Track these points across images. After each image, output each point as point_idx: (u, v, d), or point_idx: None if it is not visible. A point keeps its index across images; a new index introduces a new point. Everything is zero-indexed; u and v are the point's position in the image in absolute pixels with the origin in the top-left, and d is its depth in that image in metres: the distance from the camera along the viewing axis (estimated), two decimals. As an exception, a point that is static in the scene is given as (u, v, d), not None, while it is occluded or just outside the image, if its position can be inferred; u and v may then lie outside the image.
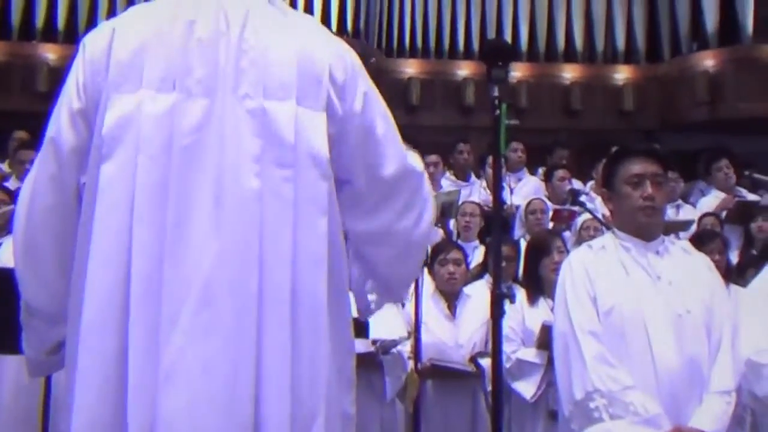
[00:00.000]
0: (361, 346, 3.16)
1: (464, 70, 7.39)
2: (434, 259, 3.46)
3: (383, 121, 1.45)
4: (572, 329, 2.18)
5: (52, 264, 1.37)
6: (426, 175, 1.58)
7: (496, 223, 2.32)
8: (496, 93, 2.36)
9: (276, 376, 1.24)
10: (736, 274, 3.94)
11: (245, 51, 1.33)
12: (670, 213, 5.82)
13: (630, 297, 2.19)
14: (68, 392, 1.27)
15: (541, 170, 5.93)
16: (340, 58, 1.41)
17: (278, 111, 1.32)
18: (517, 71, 7.45)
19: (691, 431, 2.07)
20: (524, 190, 5.81)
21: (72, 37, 7.17)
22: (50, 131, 1.37)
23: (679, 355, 2.12)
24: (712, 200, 5.83)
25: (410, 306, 3.06)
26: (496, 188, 2.39)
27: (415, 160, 1.55)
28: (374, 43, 7.37)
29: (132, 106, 1.30)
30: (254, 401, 1.22)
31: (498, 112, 2.34)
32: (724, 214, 5.45)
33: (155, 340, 1.22)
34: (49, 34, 7.48)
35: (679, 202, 5.88)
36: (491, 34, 7.35)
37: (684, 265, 2.27)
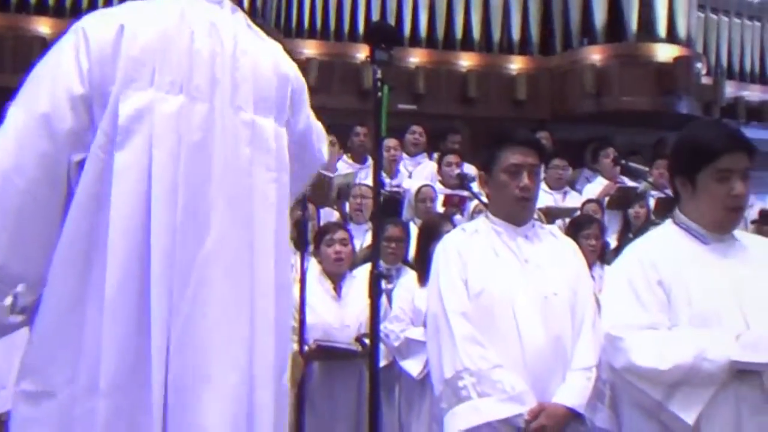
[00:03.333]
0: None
1: (363, 53, 7.33)
2: (321, 239, 3.42)
3: (315, 130, 1.69)
4: (443, 310, 2.20)
5: (33, 233, 1.42)
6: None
7: (376, 204, 2.30)
8: (378, 75, 2.34)
9: (264, 336, 1.47)
10: (613, 257, 4.13)
11: (238, 68, 1.50)
12: (557, 198, 6.05)
13: (499, 280, 2.23)
14: (77, 349, 1.38)
15: (435, 155, 6.00)
16: (297, 79, 1.62)
17: (264, 124, 1.52)
18: (416, 57, 7.47)
19: (554, 407, 2.13)
20: (423, 173, 5.87)
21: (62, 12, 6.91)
22: (41, 107, 1.41)
23: (545, 335, 2.18)
24: (596, 187, 6.09)
25: (295, 288, 3.01)
26: (376, 170, 2.37)
27: (325, 148, 1.79)
28: (272, 21, 7.19)
29: (145, 102, 1.41)
30: (249, 351, 1.45)
31: (380, 94, 2.33)
32: (606, 200, 5.70)
33: (169, 305, 1.39)
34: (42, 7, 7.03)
35: (566, 188, 6.10)
36: (391, 19, 7.32)
37: (551, 249, 2.33)
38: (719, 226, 2.11)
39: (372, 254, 2.22)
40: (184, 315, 1.40)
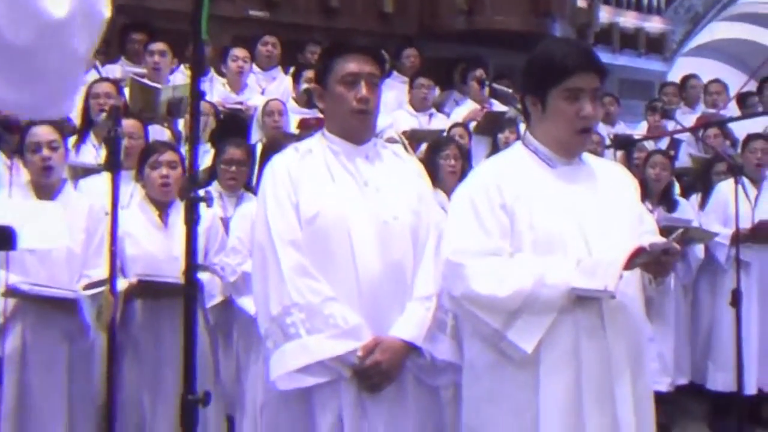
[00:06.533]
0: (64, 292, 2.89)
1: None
2: (144, 161, 3.20)
3: None
4: (270, 239, 2.12)
5: None
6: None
7: (193, 119, 2.13)
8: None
9: None
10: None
11: None
12: (422, 121, 6.06)
13: (335, 203, 2.17)
14: None
15: (292, 69, 5.80)
16: None
17: None
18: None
19: (390, 340, 2.13)
20: (277, 90, 5.65)
21: None
22: None
23: (382, 262, 2.16)
24: (464, 110, 6.15)
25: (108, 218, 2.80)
26: (194, 78, 2.21)
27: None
28: None
29: None
30: None
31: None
32: (473, 124, 5.77)
33: None
34: None
35: (432, 110, 6.12)
36: None
37: (393, 171, 2.30)
38: (567, 148, 2.16)
39: (189, 178, 2.07)
40: None
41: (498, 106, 6.13)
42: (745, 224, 4.33)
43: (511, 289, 2.00)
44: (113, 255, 2.48)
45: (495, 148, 5.49)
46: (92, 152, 3.77)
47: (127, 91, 4.28)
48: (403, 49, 6.63)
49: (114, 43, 5.30)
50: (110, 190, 2.53)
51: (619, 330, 2.05)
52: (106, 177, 2.73)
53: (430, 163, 3.99)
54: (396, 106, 6.00)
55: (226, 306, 3.26)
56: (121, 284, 2.96)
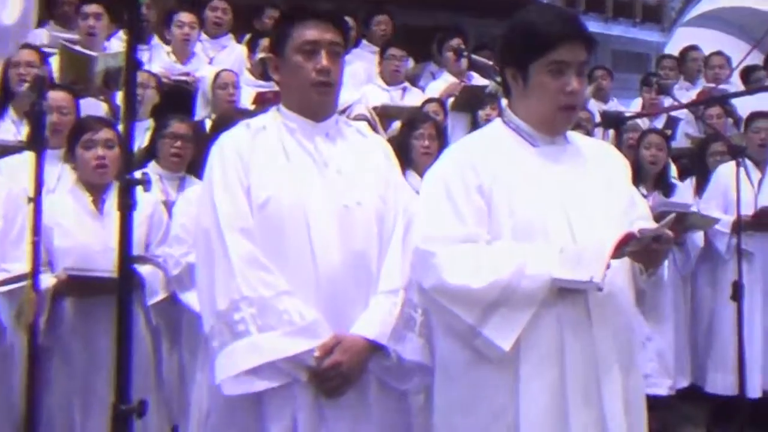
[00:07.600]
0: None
1: None
2: (76, 140, 3.16)
3: None
4: (218, 226, 2.11)
5: None
6: None
7: (128, 91, 2.10)
8: None
9: None
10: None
11: None
12: (395, 95, 6.05)
13: (290, 187, 2.17)
14: None
15: (246, 37, 5.75)
16: None
17: None
18: None
19: (351, 339, 2.13)
20: (228, 60, 5.60)
21: None
22: None
23: (343, 252, 2.16)
24: (440, 84, 6.14)
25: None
26: (130, 45, 2.18)
27: None
28: None
29: None
30: None
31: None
32: (450, 100, 5.77)
33: None
34: None
35: (406, 84, 6.11)
36: None
37: (357, 151, 2.30)
38: (550, 126, 2.17)
39: (123, 157, 2.05)
40: None
41: (478, 80, 6.14)
42: (748, 211, 4.38)
43: (486, 280, 2.00)
44: (36, 246, 2.45)
45: (474, 126, 5.50)
46: (11, 129, 3.72)
47: (55, 59, 4.21)
48: (374, 15, 6.60)
49: (41, 5, 5.19)
50: (34, 171, 2.49)
51: (606, 325, 2.07)
52: (28, 157, 2.70)
53: (403, 143, 4.00)
54: (365, 80, 5.99)
55: (170, 303, 3.24)
56: (48, 280, 2.94)
